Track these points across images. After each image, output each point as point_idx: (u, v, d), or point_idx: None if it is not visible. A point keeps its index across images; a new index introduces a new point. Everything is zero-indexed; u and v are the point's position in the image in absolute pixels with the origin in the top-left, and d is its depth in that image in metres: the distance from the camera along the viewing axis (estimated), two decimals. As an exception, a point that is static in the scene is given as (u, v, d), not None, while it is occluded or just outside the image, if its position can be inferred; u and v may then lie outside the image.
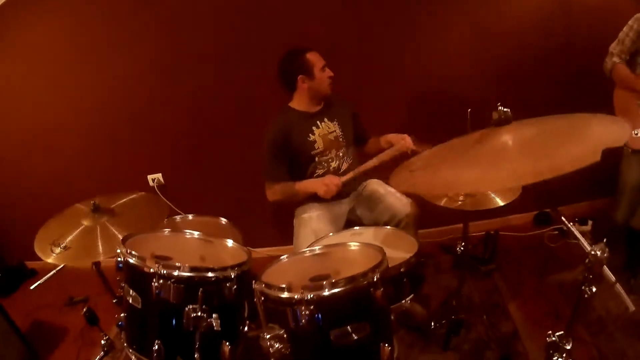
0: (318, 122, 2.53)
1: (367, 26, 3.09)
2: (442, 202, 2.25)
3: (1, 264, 4.04)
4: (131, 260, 1.72)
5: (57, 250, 2.05)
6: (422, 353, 2.40)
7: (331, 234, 2.28)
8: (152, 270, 1.65)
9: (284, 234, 2.81)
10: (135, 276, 1.73)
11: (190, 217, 2.39)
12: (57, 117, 3.59)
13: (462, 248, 2.41)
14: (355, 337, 1.50)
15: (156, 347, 1.65)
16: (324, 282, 1.50)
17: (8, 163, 3.92)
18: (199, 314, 1.64)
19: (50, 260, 2.04)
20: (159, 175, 3.48)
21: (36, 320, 3.38)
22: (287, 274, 1.70)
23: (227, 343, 1.71)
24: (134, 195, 2.32)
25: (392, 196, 2.54)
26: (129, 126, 3.45)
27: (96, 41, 3.28)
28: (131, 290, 1.74)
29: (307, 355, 1.55)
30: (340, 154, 2.58)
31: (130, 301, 1.74)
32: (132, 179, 3.52)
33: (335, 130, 2.55)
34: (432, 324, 2.46)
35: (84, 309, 2.36)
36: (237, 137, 3.39)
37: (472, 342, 2.42)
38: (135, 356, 1.75)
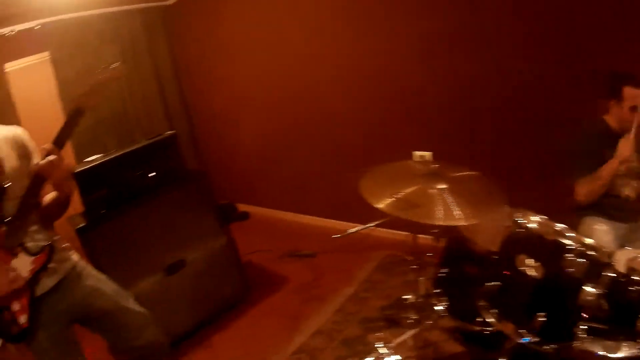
0: None
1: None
2: None
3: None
4: (534, 228, 1.96)
5: (392, 200, 2.23)
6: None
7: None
8: (567, 243, 1.85)
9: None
10: (541, 246, 1.92)
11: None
12: (332, 76, 3.87)
13: None
14: None
15: (538, 317, 1.85)
16: None
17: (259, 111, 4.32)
18: (596, 294, 1.82)
19: (380, 206, 2.20)
20: (428, 154, 3.57)
21: (250, 263, 3.66)
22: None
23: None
24: (471, 172, 2.47)
25: None
26: (407, 97, 3.58)
27: (379, 12, 3.47)
28: (530, 260, 1.92)
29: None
30: (634, 185, 2.73)
31: (527, 271, 1.91)
32: (398, 153, 3.43)
33: (635, 162, 2.71)
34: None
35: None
36: (526, 129, 3.31)
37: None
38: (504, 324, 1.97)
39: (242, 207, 4.28)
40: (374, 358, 2.44)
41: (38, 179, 1.94)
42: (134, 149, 3.13)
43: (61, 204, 2.13)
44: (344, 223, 4.24)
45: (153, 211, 3.05)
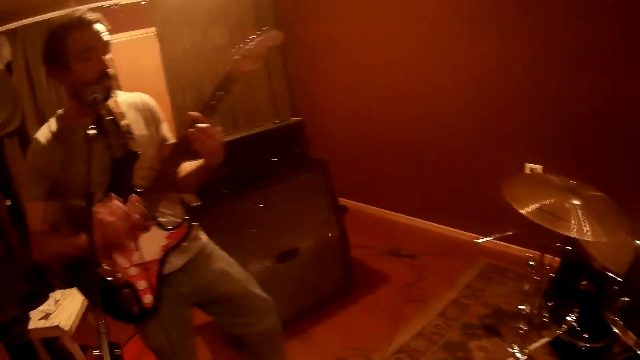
0: None
1: None
2: None
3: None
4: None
5: (535, 207, 2.37)
6: None
7: None
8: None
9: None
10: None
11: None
12: (445, 80, 3.94)
13: None
14: None
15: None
16: None
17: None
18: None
19: (523, 211, 2.35)
20: (539, 167, 3.59)
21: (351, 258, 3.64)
22: None
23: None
24: (602, 194, 2.53)
25: None
26: (521, 107, 3.57)
27: (497, 19, 3.50)
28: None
29: None
30: None
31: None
32: (507, 163, 3.66)
33: None
34: None
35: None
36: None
37: None
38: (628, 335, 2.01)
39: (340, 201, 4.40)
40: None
41: (182, 147, 1.84)
42: (258, 131, 3.21)
43: (206, 175, 2.02)
44: (443, 227, 4.38)
45: (271, 197, 3.12)
